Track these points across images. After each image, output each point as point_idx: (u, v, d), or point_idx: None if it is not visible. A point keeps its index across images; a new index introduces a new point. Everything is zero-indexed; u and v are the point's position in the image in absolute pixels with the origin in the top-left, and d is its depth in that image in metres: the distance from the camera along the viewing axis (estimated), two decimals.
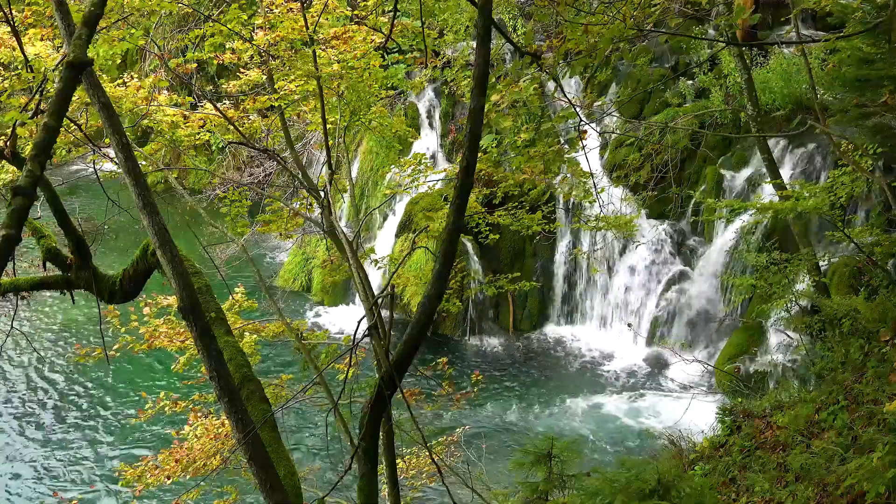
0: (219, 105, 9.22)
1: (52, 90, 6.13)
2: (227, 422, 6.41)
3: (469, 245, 16.40)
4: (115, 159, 5.21)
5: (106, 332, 9.62)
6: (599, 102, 16.95)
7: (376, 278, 15.29)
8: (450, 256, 4.86)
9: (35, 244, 6.73)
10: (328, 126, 8.78)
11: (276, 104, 8.80)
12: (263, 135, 9.93)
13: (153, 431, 13.05)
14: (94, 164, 7.24)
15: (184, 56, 11.53)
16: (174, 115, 8.73)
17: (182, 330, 8.83)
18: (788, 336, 12.41)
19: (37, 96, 5.76)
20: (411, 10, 9.64)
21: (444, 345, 16.37)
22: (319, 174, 14.32)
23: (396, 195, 15.90)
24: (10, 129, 5.72)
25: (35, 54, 7.09)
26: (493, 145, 16.73)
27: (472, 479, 9.26)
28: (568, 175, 8.45)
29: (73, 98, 4.93)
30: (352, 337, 5.16)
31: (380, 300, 7.45)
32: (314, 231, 16.04)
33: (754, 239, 13.78)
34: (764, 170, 13.16)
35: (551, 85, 13.36)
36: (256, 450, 5.27)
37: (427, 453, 9.28)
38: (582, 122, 7.06)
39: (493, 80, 8.13)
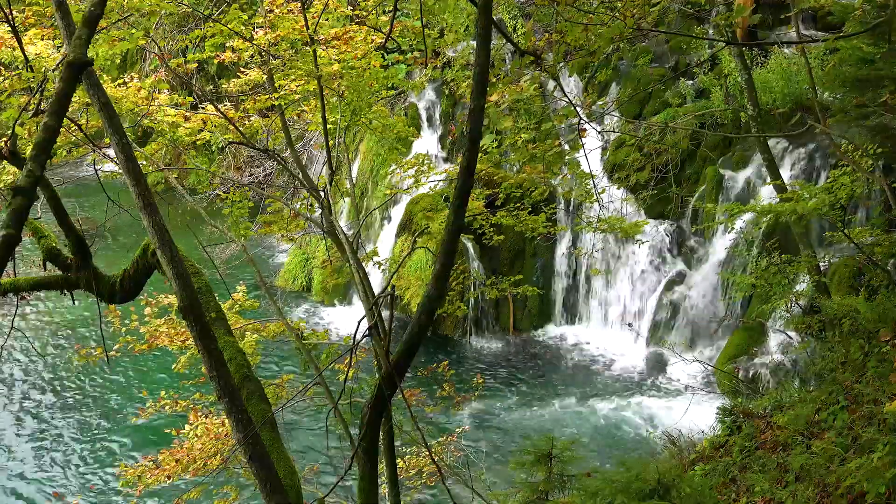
0: (219, 105, 9.22)
1: (52, 90, 6.13)
2: (227, 422, 6.41)
3: (469, 245, 16.40)
4: (116, 159, 5.21)
5: (106, 332, 9.63)
6: (600, 102, 16.97)
7: (377, 279, 15.30)
8: (450, 257, 4.86)
9: (35, 244, 6.73)
10: (328, 126, 8.78)
11: (277, 103, 8.80)
12: (264, 135, 9.93)
13: (153, 431, 13.05)
14: (94, 164, 7.24)
15: (184, 56, 11.54)
16: (174, 115, 8.73)
17: (182, 330, 8.83)
18: (788, 336, 12.41)
19: (37, 96, 5.76)
20: (411, 10, 9.64)
21: (444, 345, 16.37)
22: (319, 174, 14.31)
23: (396, 195, 15.91)
24: (10, 128, 5.72)
25: (35, 54, 7.09)
26: (494, 146, 16.73)
27: (472, 479, 9.26)
28: (569, 175, 8.46)
29: (74, 98, 4.94)
30: (352, 337, 5.16)
31: (380, 300, 7.45)
32: (315, 231, 16.04)
33: (754, 239, 13.78)
34: (764, 170, 13.16)
35: (551, 85, 13.37)
36: (256, 450, 5.27)
37: (427, 453, 9.29)
38: (582, 122, 7.06)
39: (493, 79, 8.13)
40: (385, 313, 10.14)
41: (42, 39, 7.45)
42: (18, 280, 6.56)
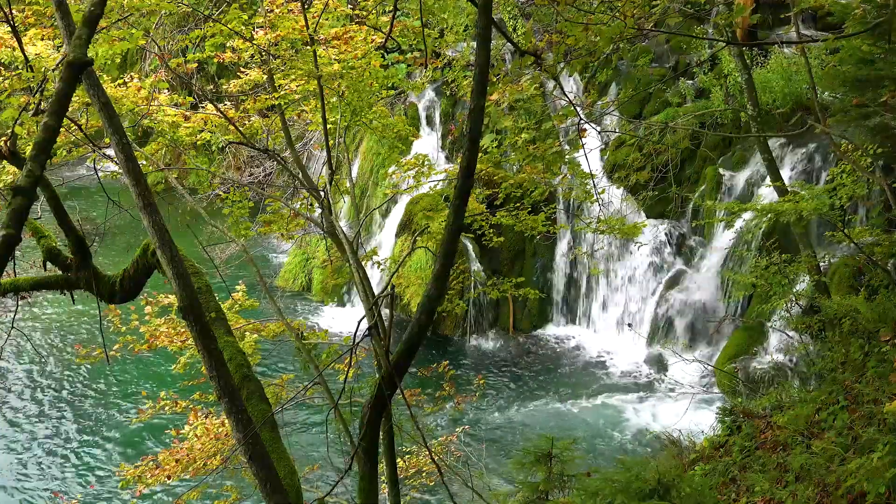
0: (219, 105, 9.22)
1: (52, 90, 6.13)
2: (227, 422, 6.41)
3: (469, 245, 16.41)
4: (116, 159, 5.21)
5: (107, 332, 9.63)
6: (600, 102, 16.97)
7: (377, 279, 15.30)
8: (450, 257, 4.86)
9: (35, 244, 6.74)
10: (328, 126, 8.78)
11: (277, 103, 8.80)
12: (264, 135, 9.92)
13: (153, 431, 13.05)
14: (94, 164, 7.23)
15: (184, 56, 11.54)
16: (175, 115, 8.72)
17: (182, 330, 8.82)
18: (788, 336, 12.40)
19: (37, 96, 5.76)
20: (411, 10, 9.64)
21: (443, 345, 16.37)
22: (319, 174, 14.31)
23: (396, 195, 15.91)
24: (10, 128, 5.72)
25: (35, 54, 7.08)
26: (494, 145, 16.74)
27: (472, 479, 9.26)
28: (569, 176, 8.45)
29: (74, 98, 4.93)
30: (352, 337, 5.15)
31: (380, 300, 7.45)
32: (315, 231, 16.04)
33: (754, 239, 13.77)
34: (764, 170, 13.16)
35: (551, 84, 13.37)
36: (256, 450, 5.28)
37: (427, 453, 9.28)
38: (581, 122, 7.07)
39: (493, 79, 8.12)
40: (385, 313, 10.14)
41: (42, 39, 7.45)
42: (18, 280, 6.56)
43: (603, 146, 16.82)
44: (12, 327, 7.45)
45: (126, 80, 8.55)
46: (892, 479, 5.65)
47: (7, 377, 14.99)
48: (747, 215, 11.74)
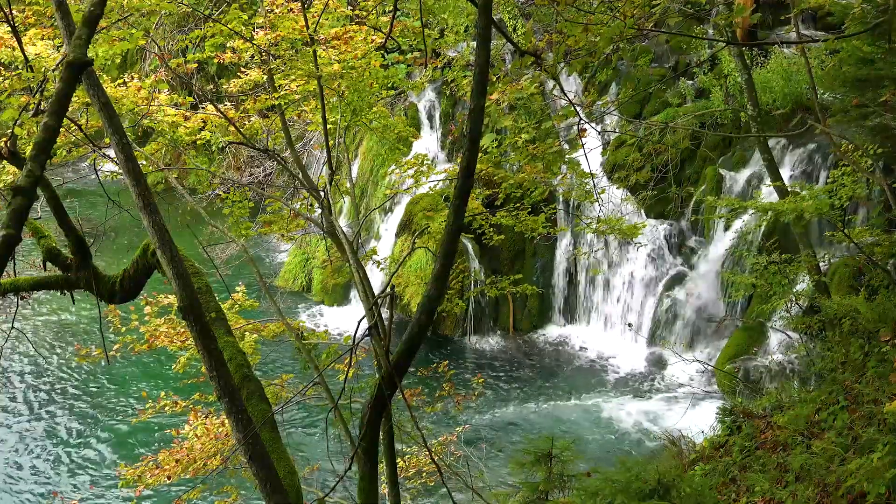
0: (219, 105, 9.22)
1: (52, 90, 6.13)
2: (227, 422, 6.41)
3: (469, 245, 16.41)
4: (116, 159, 5.21)
5: (106, 332, 9.63)
6: (600, 102, 16.97)
7: (377, 279, 15.29)
8: (450, 257, 4.86)
9: (35, 244, 6.74)
10: (328, 126, 8.77)
11: (277, 103, 8.80)
12: (264, 135, 9.92)
13: (153, 431, 13.06)
14: (94, 164, 7.24)
15: (184, 56, 11.55)
16: (174, 115, 8.72)
17: (182, 330, 8.82)
18: (788, 336, 12.41)
19: (37, 96, 5.76)
20: (411, 10, 9.63)
21: (443, 345, 16.37)
22: (319, 174, 14.32)
23: (397, 195, 15.91)
24: (10, 128, 5.72)
25: (35, 54, 7.08)
26: (494, 145, 16.73)
27: (472, 479, 9.26)
28: (569, 176, 8.46)
29: (74, 98, 4.93)
30: (352, 337, 5.16)
31: (380, 300, 7.45)
32: (315, 231, 16.04)
33: (753, 238, 13.77)
34: (764, 170, 13.16)
35: (551, 84, 13.37)
36: (256, 450, 5.27)
37: (427, 453, 9.28)
38: (581, 122, 7.07)
39: (493, 78, 8.13)
40: (385, 313, 10.14)
41: (42, 39, 7.45)
42: (18, 280, 6.56)
43: (603, 146, 16.81)
44: (12, 327, 7.45)
45: (126, 80, 8.54)
46: (892, 479, 5.65)
47: (7, 377, 15.00)
48: (747, 215, 11.74)
